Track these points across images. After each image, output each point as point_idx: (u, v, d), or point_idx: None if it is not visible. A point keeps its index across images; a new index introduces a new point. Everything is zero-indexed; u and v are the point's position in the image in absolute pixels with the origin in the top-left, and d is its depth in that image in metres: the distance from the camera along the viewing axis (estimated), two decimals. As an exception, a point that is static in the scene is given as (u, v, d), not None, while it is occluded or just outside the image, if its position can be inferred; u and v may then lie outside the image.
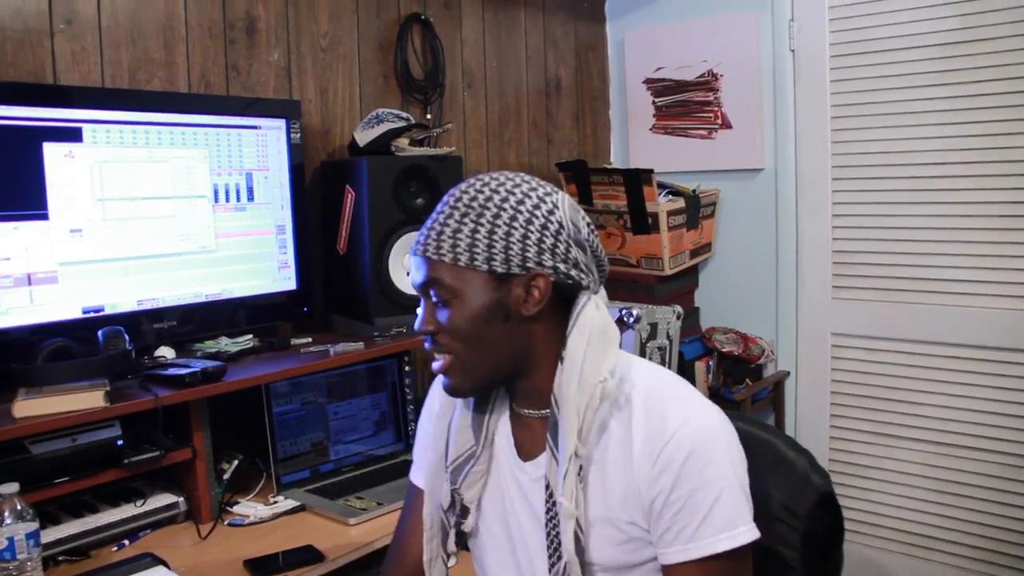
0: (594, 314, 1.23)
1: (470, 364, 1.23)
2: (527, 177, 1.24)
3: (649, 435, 1.17)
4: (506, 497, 1.31)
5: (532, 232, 1.19)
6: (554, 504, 1.20)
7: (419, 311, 1.26)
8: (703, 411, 1.19)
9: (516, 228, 1.19)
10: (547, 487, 1.22)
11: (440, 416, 1.38)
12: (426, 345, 1.26)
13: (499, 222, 1.18)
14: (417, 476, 1.46)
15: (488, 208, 1.19)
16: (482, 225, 1.18)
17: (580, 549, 1.18)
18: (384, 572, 1.46)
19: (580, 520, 1.18)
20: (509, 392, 1.31)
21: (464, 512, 1.32)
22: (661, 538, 1.17)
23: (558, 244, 1.20)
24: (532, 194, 1.21)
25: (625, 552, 1.20)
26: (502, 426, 1.33)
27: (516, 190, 1.21)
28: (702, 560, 1.14)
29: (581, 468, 1.18)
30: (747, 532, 1.15)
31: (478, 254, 1.18)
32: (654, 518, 1.17)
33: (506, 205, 1.19)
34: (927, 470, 3.05)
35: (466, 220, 1.19)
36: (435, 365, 1.25)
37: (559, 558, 1.20)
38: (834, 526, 1.42)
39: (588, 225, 1.25)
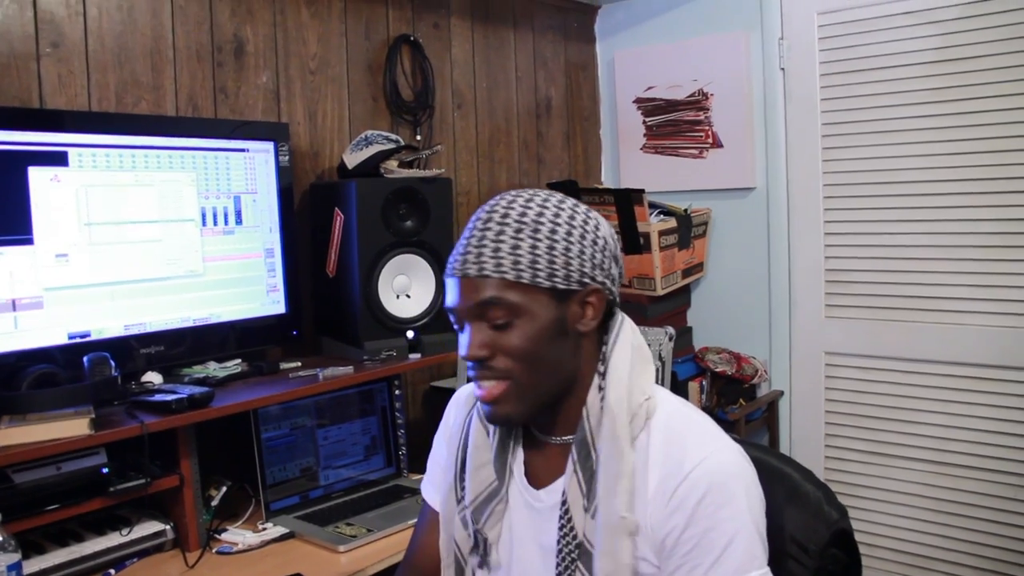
0: (631, 332, 1.24)
1: (528, 387, 1.18)
2: (557, 194, 1.23)
3: (666, 470, 1.14)
4: (515, 524, 1.28)
5: (586, 248, 1.17)
6: (569, 521, 1.17)
7: (463, 338, 1.19)
8: (722, 450, 1.15)
9: (573, 243, 1.16)
10: (563, 503, 1.18)
11: (451, 439, 1.35)
12: (471, 373, 1.20)
13: (557, 238, 1.16)
14: (429, 493, 1.44)
15: (542, 224, 1.16)
16: (540, 241, 1.15)
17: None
18: None
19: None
20: (539, 416, 1.26)
21: (487, 551, 1.29)
22: (671, 575, 1.14)
23: (604, 260, 1.20)
24: (577, 211, 1.20)
25: None
26: (516, 455, 1.30)
27: (563, 206, 1.19)
28: None
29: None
30: None
31: (540, 270, 1.14)
32: (665, 555, 1.14)
33: (560, 221, 1.17)
34: (923, 489, 3.03)
35: (521, 236, 1.15)
36: (484, 392, 1.19)
37: None
38: (851, 564, 1.35)
39: (617, 241, 1.25)
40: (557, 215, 1.17)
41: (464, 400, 1.40)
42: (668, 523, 1.12)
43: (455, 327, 1.22)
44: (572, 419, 1.22)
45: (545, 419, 1.25)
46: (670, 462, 1.14)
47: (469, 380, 1.23)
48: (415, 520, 1.53)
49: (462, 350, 1.19)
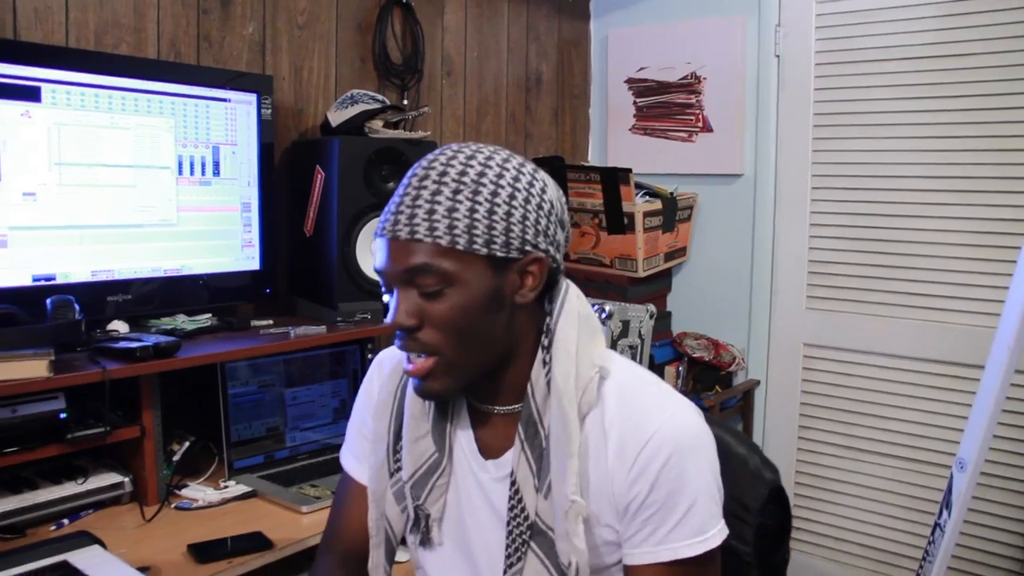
0: (577, 301, 1.16)
1: (458, 362, 1.10)
2: (505, 151, 1.13)
3: (624, 436, 1.09)
4: (463, 499, 1.21)
5: (530, 213, 1.09)
6: (519, 501, 1.12)
7: (391, 302, 1.10)
8: (680, 411, 1.11)
9: (516, 208, 1.07)
10: (513, 483, 1.13)
11: (379, 414, 1.26)
12: (398, 343, 1.11)
13: (498, 200, 1.06)
14: (353, 467, 1.35)
15: (483, 184, 1.06)
16: (480, 204, 1.05)
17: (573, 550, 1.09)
18: (318, 567, 1.34)
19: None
20: (474, 388, 1.20)
21: (428, 527, 1.22)
22: (630, 539, 1.10)
23: (549, 225, 1.11)
24: (523, 170, 1.11)
25: (596, 555, 1.13)
26: (461, 427, 1.22)
27: (507, 165, 1.10)
28: (669, 563, 1.08)
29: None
30: (717, 534, 1.09)
31: (478, 236, 1.05)
32: (627, 519, 1.10)
33: (502, 182, 1.08)
34: (895, 485, 3.02)
35: (460, 197, 1.05)
36: (411, 367, 1.11)
37: (519, 559, 1.12)
38: (785, 519, 1.40)
39: (565, 203, 1.18)
40: (500, 175, 1.08)
41: (393, 365, 1.29)
42: (632, 489, 1.08)
43: (383, 290, 1.13)
44: (514, 389, 1.16)
45: (484, 390, 1.18)
46: (628, 427, 1.09)
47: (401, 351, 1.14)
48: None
49: (388, 316, 1.10)
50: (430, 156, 1.11)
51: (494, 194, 1.07)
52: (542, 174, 1.14)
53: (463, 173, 1.07)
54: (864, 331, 3.06)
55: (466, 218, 1.05)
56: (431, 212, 1.05)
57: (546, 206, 1.11)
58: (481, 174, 1.08)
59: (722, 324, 3.37)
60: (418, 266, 1.05)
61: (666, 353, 3.26)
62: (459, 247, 1.05)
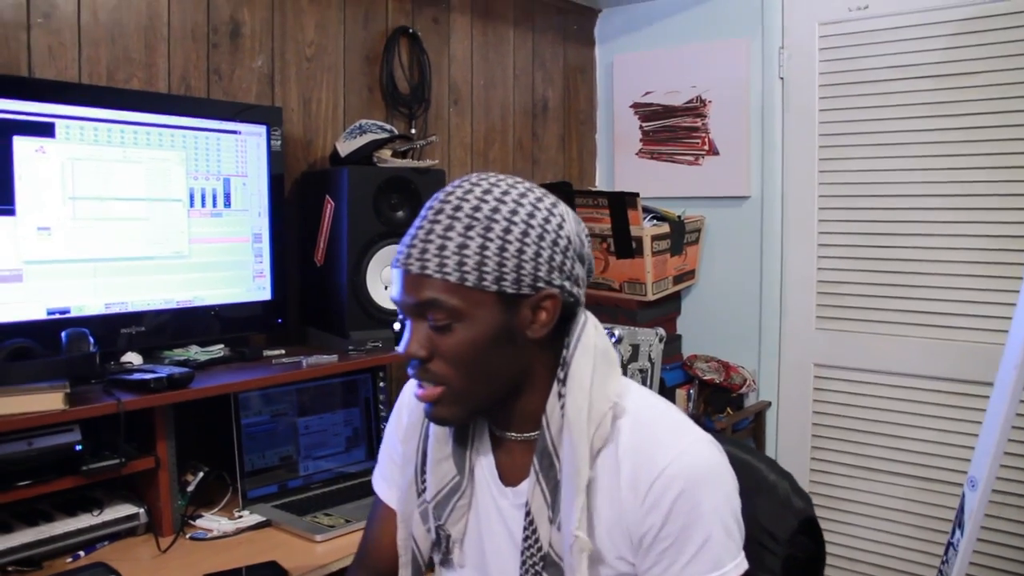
0: (594, 334, 1.16)
1: (464, 393, 1.12)
2: (525, 183, 1.14)
3: (638, 468, 1.10)
4: (483, 523, 1.23)
5: (543, 250, 1.09)
6: (534, 532, 1.13)
7: (405, 332, 1.12)
8: (695, 443, 1.11)
9: (528, 245, 1.07)
10: (527, 514, 1.14)
11: (408, 436, 1.29)
12: (410, 371, 1.13)
13: (510, 238, 1.07)
14: (383, 490, 1.38)
15: (496, 221, 1.07)
16: (491, 241, 1.06)
17: None
18: None
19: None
20: (490, 415, 1.22)
21: (449, 548, 1.24)
22: (646, 572, 1.10)
23: (565, 261, 1.11)
24: (540, 206, 1.11)
25: None
26: (482, 451, 1.24)
27: (523, 200, 1.10)
28: None
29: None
30: (734, 569, 1.09)
31: (487, 273, 1.06)
32: (642, 552, 1.10)
33: (516, 219, 1.08)
34: (908, 505, 3.01)
35: (471, 234, 1.06)
36: (420, 393, 1.13)
37: None
38: (816, 552, 1.38)
39: (588, 237, 1.19)
40: (515, 211, 1.08)
41: None
42: (645, 522, 1.09)
43: (400, 317, 1.15)
44: (530, 418, 1.17)
45: (500, 416, 1.20)
46: (642, 459, 1.10)
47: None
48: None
49: (401, 345, 1.12)
50: (448, 188, 1.12)
51: (507, 231, 1.07)
52: (562, 208, 1.14)
53: (477, 208, 1.08)
54: (874, 350, 3.05)
55: (476, 255, 1.06)
56: (442, 248, 1.06)
57: (562, 242, 1.11)
58: (495, 210, 1.08)
59: (732, 346, 3.37)
60: (428, 301, 1.07)
61: (677, 376, 3.26)
62: (468, 284, 1.06)
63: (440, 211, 1.09)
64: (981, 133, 2.79)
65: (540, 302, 1.10)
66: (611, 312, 3.22)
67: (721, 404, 3.23)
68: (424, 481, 1.25)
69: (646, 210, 3.21)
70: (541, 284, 1.09)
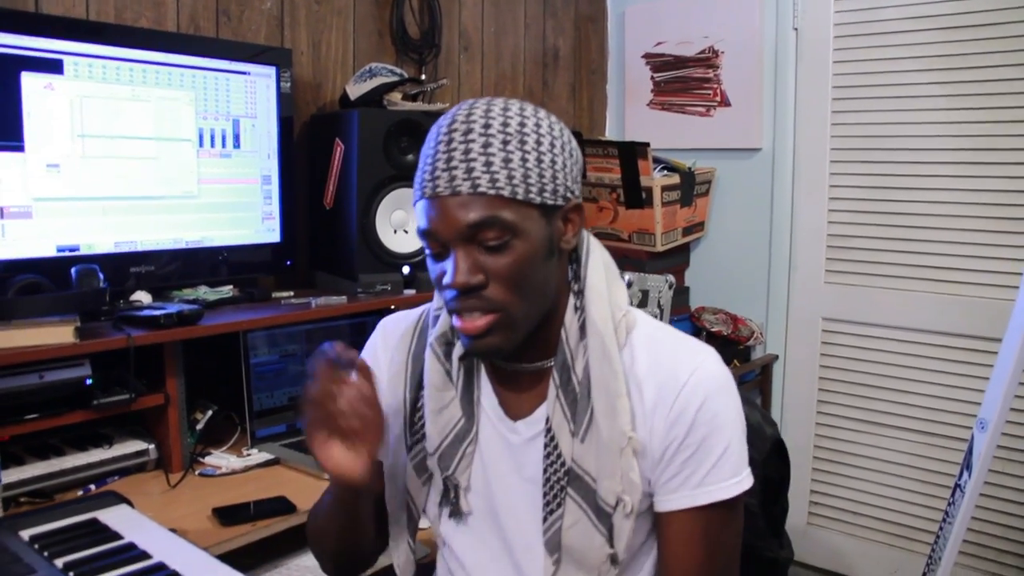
0: (599, 248, 1.19)
1: (520, 316, 1.08)
2: (520, 101, 1.13)
3: (661, 382, 1.11)
4: (489, 465, 1.20)
5: (567, 160, 1.10)
6: (555, 448, 1.12)
7: (448, 264, 1.06)
8: (710, 357, 1.14)
9: (557, 155, 1.08)
10: (548, 432, 1.13)
11: (392, 385, 1.24)
12: (454, 304, 1.08)
13: (542, 149, 1.07)
14: None
15: (527, 134, 1.06)
16: (528, 153, 1.05)
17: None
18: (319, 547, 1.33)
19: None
20: None
21: (457, 498, 1.21)
22: (665, 485, 1.11)
23: (578, 173, 1.14)
24: (552, 118, 1.12)
25: None
26: (484, 391, 1.22)
27: (540, 115, 1.10)
28: (706, 507, 1.10)
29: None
30: (748, 477, 1.12)
31: (532, 185, 1.05)
32: (663, 465, 1.11)
33: (542, 131, 1.08)
34: (913, 460, 3.02)
35: (510, 148, 1.04)
36: (470, 324, 1.07)
37: (558, 505, 1.13)
38: (785, 471, 1.52)
39: None
40: (538, 125, 1.08)
41: (401, 335, 1.28)
42: (670, 433, 1.10)
43: (430, 255, 1.10)
44: (547, 344, 1.16)
45: (521, 346, 1.15)
46: (662, 373, 1.11)
47: (451, 312, 1.11)
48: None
49: (448, 277, 1.06)
50: (460, 110, 1.09)
51: (538, 143, 1.07)
52: (560, 121, 1.15)
53: (505, 124, 1.06)
54: (883, 305, 3.05)
55: (520, 168, 1.05)
56: (488, 164, 1.04)
57: (575, 154, 1.13)
58: (522, 124, 1.07)
59: (740, 299, 3.36)
60: (483, 220, 1.03)
61: (684, 328, 3.23)
62: (519, 197, 1.04)
63: (469, 130, 1.06)
64: (997, 86, 2.75)
65: (568, 213, 1.12)
66: (619, 263, 3.17)
67: (728, 356, 3.24)
68: (416, 432, 1.23)
69: (656, 160, 3.19)
70: (569, 195, 1.10)
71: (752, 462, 1.15)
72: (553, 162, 1.07)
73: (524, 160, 1.05)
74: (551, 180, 1.07)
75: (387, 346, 1.29)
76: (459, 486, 1.21)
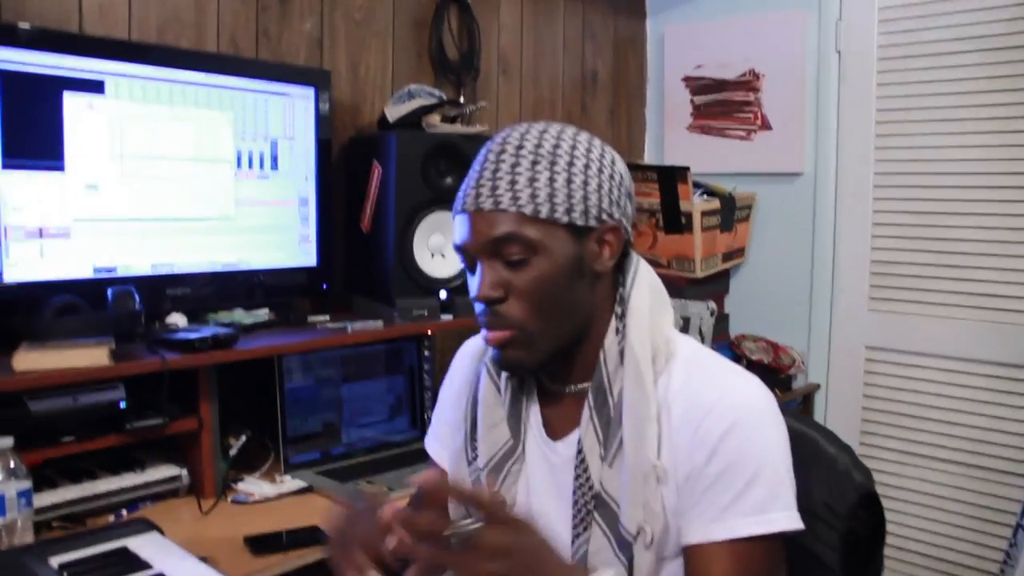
0: (648, 272, 1.17)
1: (537, 334, 1.11)
2: (571, 126, 1.16)
3: (688, 405, 1.08)
4: (532, 481, 1.21)
5: (604, 182, 1.12)
6: (585, 471, 1.11)
7: (474, 277, 1.12)
8: (747, 383, 1.11)
9: (591, 177, 1.10)
10: (581, 459, 1.12)
11: (457, 400, 1.29)
12: (481, 317, 1.13)
13: (575, 170, 1.10)
14: (436, 450, 1.38)
15: (559, 156, 1.10)
16: (558, 173, 1.09)
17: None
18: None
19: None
20: (550, 366, 1.19)
21: None
22: (686, 515, 1.07)
23: (621, 196, 1.14)
24: (593, 143, 1.15)
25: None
26: (531, 409, 1.23)
27: (579, 138, 1.14)
28: (726, 543, 1.04)
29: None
30: (782, 519, 1.04)
31: (558, 204, 1.08)
32: (685, 494, 1.07)
33: (577, 153, 1.11)
34: (961, 494, 2.92)
35: (539, 168, 1.09)
36: (491, 336, 1.12)
37: (584, 528, 1.11)
38: (876, 527, 1.33)
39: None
40: (574, 147, 1.12)
41: (472, 354, 1.34)
42: (692, 459, 1.06)
43: (466, 269, 1.15)
44: (588, 366, 1.16)
45: (559, 368, 1.18)
46: (692, 396, 1.09)
47: (480, 324, 1.16)
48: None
49: (472, 290, 1.12)
50: (503, 132, 1.15)
51: (570, 164, 1.10)
52: (609, 148, 1.17)
53: (539, 146, 1.11)
54: (929, 333, 2.97)
55: (547, 187, 1.08)
56: (513, 183, 1.08)
57: (617, 177, 1.14)
58: (556, 146, 1.11)
59: (781, 326, 3.29)
60: (504, 236, 1.07)
61: (724, 356, 3.19)
62: (542, 215, 1.08)
63: (503, 151, 1.11)
64: (1047, 110, 2.69)
65: (604, 235, 1.12)
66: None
67: (769, 385, 3.14)
68: (475, 448, 1.24)
69: (696, 185, 3.15)
70: (605, 217, 1.12)
71: (833, 513, 1.09)
72: (586, 183, 1.10)
73: (552, 180, 1.08)
74: (581, 200, 1.09)
75: (460, 365, 1.36)
76: (505, 503, 1.19)
